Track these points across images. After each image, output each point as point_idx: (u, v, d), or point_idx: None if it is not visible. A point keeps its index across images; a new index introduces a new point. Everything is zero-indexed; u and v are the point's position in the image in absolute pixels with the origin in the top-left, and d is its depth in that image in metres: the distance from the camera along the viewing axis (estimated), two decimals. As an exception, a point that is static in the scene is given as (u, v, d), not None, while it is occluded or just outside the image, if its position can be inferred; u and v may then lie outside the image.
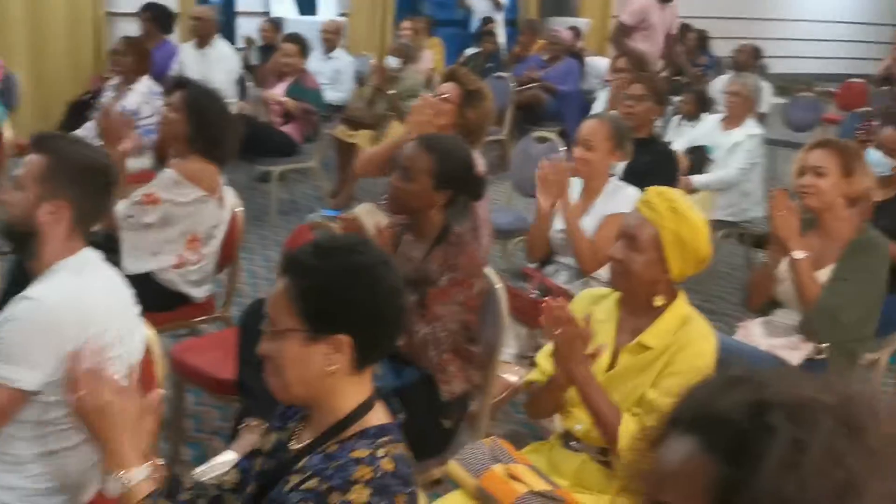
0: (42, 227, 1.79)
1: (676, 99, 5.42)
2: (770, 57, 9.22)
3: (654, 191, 2.06)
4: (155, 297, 2.54)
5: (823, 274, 2.51)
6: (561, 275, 3.07)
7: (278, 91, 5.33)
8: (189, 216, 2.91)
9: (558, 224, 3.03)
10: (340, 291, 1.32)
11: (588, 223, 3.00)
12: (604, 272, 2.94)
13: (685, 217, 2.01)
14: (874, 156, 3.35)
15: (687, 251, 2.00)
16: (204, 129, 2.91)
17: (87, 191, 1.86)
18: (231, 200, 3.16)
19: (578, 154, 3.02)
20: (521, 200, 4.78)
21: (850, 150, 2.60)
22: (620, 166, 3.39)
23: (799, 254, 2.48)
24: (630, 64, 5.08)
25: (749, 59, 6.35)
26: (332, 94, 6.42)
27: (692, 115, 5.21)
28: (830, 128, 7.35)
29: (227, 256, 3.16)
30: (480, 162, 3.14)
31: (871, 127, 4.70)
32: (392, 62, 5.84)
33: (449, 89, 3.25)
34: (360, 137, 5.65)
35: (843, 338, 2.51)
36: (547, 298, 1.95)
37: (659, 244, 1.99)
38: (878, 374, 2.81)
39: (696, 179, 4.40)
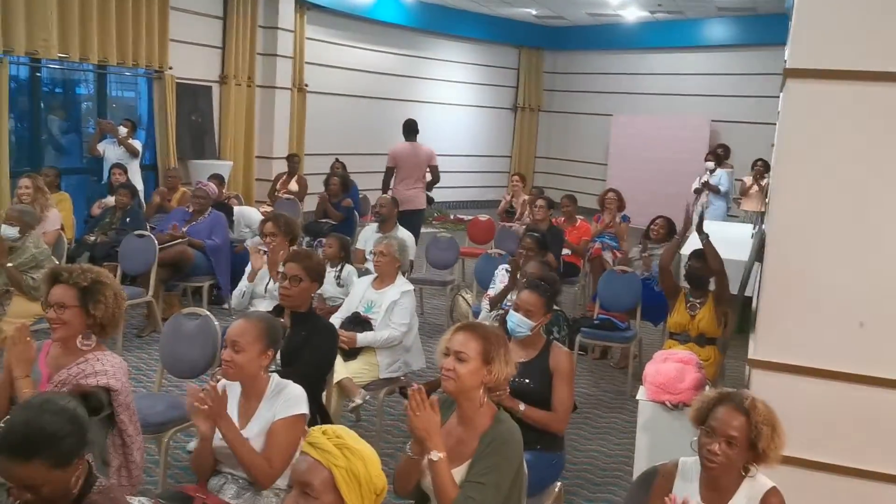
0: None
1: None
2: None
3: (318, 430, 1.99)
4: None
5: (462, 470, 2.53)
6: (229, 488, 2.81)
7: None
8: None
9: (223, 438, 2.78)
10: None
11: (254, 430, 2.80)
12: (280, 481, 2.77)
13: (354, 451, 1.96)
14: (515, 317, 3.60)
15: (363, 486, 1.95)
16: None
17: None
18: None
19: (227, 357, 2.83)
20: (172, 381, 4.42)
21: (493, 336, 2.68)
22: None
23: (435, 455, 2.44)
24: (277, 228, 5.05)
25: (391, 210, 6.70)
26: (-66, 270, 5.50)
27: (335, 261, 5.37)
28: (470, 262, 7.98)
29: None
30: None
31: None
32: (8, 231, 5.15)
33: (61, 295, 2.92)
34: (-25, 320, 4.88)
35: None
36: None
37: (334, 486, 1.91)
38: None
39: (361, 338, 4.45)
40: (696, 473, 2.50)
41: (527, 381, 3.43)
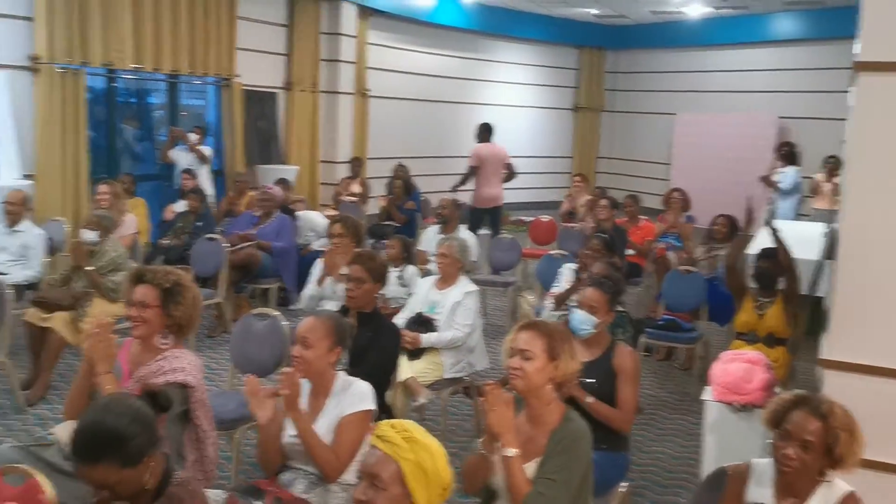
0: None
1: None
2: (468, 190, 9.99)
3: (386, 424, 2.03)
4: None
5: (532, 467, 2.54)
6: (299, 483, 2.89)
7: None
8: None
9: (291, 429, 2.87)
10: None
11: (323, 426, 2.88)
12: (347, 476, 2.84)
13: (422, 445, 2.00)
14: (578, 314, 3.60)
15: (431, 480, 1.98)
16: None
17: None
18: None
19: (296, 352, 2.92)
20: (242, 381, 4.52)
21: (557, 332, 2.69)
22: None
23: (510, 451, 2.46)
24: (344, 229, 5.14)
25: (452, 212, 6.75)
26: (20, 273, 5.78)
27: (397, 262, 5.41)
28: (532, 263, 7.98)
29: None
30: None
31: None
32: (88, 235, 5.37)
33: (143, 294, 3.05)
34: (56, 320, 5.10)
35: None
36: None
37: (402, 479, 1.95)
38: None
39: (426, 339, 4.50)
40: (770, 476, 2.45)
41: (591, 380, 3.42)
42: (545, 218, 9.11)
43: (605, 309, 3.59)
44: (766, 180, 10.00)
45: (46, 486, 2.35)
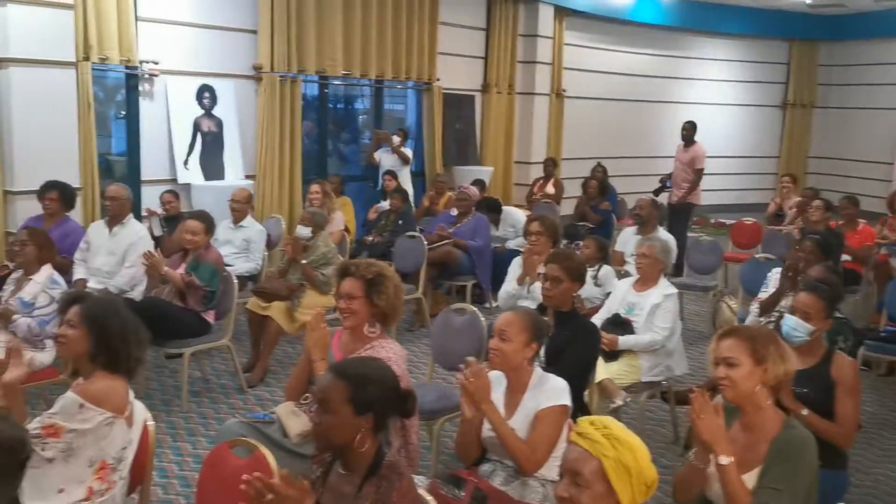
0: None
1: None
2: (667, 189, 9.73)
3: (586, 421, 2.01)
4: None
5: (751, 477, 2.41)
6: (497, 475, 2.95)
7: (180, 270, 5.16)
8: (95, 443, 2.67)
9: (489, 423, 2.93)
10: None
11: (518, 421, 2.91)
12: (545, 471, 2.86)
13: (624, 442, 1.97)
14: (791, 321, 3.41)
15: (634, 478, 1.95)
16: (106, 342, 2.74)
17: None
18: (141, 415, 2.93)
19: (493, 345, 2.97)
20: (439, 373, 4.69)
21: (760, 335, 2.56)
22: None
23: (725, 459, 2.35)
24: (542, 227, 5.17)
25: (650, 213, 6.58)
26: (243, 265, 6.31)
27: (592, 262, 5.35)
28: (733, 267, 7.65)
29: (139, 477, 2.91)
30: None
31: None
32: (302, 231, 5.77)
33: (349, 287, 3.23)
34: (274, 310, 5.52)
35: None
36: None
37: (604, 476, 1.93)
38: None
39: (623, 341, 4.43)
40: None
41: (805, 390, 3.22)
42: (749, 220, 8.66)
43: (820, 315, 3.37)
44: None
45: (270, 459, 2.55)
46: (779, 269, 5.25)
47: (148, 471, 2.94)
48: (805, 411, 3.16)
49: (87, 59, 6.78)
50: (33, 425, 2.60)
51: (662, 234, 6.50)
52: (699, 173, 9.11)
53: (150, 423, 2.93)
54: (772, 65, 15.11)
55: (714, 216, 12.91)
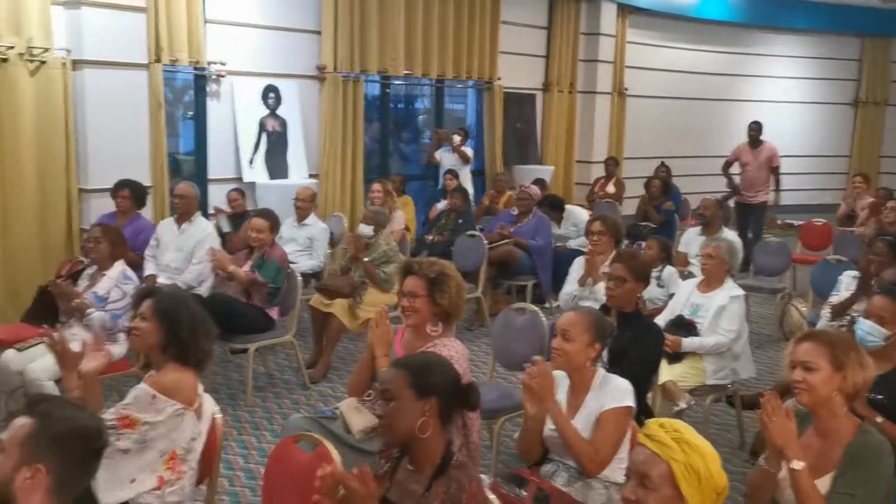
0: (17, 494, 1.68)
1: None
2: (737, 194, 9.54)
3: (655, 423, 1.99)
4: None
5: (824, 483, 2.36)
6: (560, 476, 2.93)
7: (246, 267, 5.26)
8: (167, 434, 2.75)
9: (551, 422, 2.91)
10: None
11: (581, 421, 2.90)
12: (609, 473, 2.84)
13: (693, 446, 1.94)
14: (865, 325, 3.33)
15: (703, 483, 1.92)
16: (176, 335, 2.82)
17: (69, 458, 1.80)
18: (209, 407, 3.00)
19: (556, 344, 2.96)
20: (500, 373, 4.68)
21: (840, 341, 2.51)
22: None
23: (798, 464, 2.30)
24: (604, 227, 5.12)
25: (715, 213, 6.45)
26: (306, 263, 6.40)
27: (655, 262, 5.27)
28: (802, 269, 7.46)
29: (207, 469, 2.98)
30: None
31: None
32: (364, 229, 5.83)
33: (412, 285, 3.25)
34: (337, 307, 5.60)
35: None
36: None
37: (673, 480, 1.90)
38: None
39: (687, 343, 4.37)
40: None
41: (880, 396, 3.12)
42: (818, 221, 8.42)
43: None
44: None
45: (334, 453, 2.58)
46: (850, 272, 5.10)
47: (216, 463, 3.02)
48: (879, 418, 3.07)
49: (158, 60, 6.97)
50: (108, 416, 2.69)
51: (727, 234, 6.37)
52: (777, 171, 9.20)
53: (218, 415, 3.01)
54: (843, 61, 14.66)
55: (782, 217, 12.58)
